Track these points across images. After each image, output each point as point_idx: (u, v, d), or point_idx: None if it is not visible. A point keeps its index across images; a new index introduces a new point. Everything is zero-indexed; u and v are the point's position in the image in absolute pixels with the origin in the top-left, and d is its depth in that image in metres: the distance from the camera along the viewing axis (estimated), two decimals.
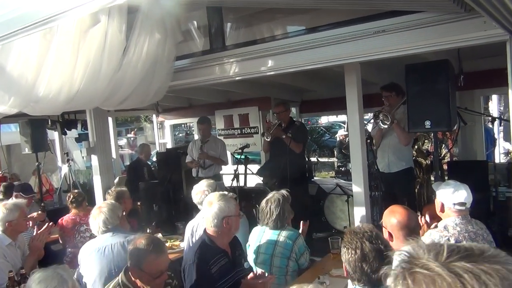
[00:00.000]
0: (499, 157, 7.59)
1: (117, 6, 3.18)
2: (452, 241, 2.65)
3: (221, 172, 8.26)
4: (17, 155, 8.67)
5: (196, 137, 8.17)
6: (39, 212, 5.12)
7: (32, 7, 2.11)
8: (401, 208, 2.49)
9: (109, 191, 4.48)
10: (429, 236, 2.75)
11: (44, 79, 3.33)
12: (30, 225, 3.99)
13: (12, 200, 3.85)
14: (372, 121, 4.86)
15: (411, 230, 2.39)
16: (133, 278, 2.52)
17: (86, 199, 4.76)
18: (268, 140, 5.56)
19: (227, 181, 6.25)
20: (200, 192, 3.91)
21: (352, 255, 2.00)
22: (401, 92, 4.60)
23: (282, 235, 3.46)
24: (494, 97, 10.09)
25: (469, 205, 2.78)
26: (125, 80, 3.94)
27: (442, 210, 2.85)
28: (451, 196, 2.78)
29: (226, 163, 6.67)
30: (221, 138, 8.20)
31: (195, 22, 4.44)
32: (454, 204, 2.76)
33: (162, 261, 2.54)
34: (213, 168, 6.41)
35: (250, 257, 3.53)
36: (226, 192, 3.13)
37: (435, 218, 3.03)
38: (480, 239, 2.70)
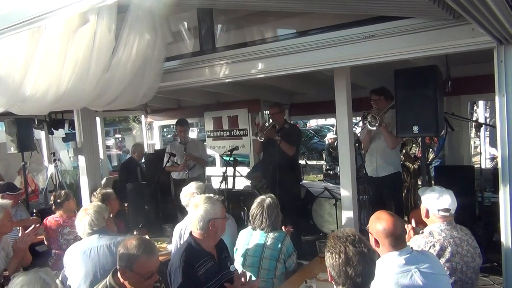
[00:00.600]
0: (485, 163, 7.68)
1: (106, 6, 3.15)
2: (438, 246, 2.68)
3: (209, 174, 8.26)
4: (1, 154, 8.53)
5: None
6: (34, 217, 5.06)
7: (20, 5, 2.08)
8: (387, 215, 2.47)
9: (95, 193, 4.41)
10: (415, 242, 2.77)
11: (31, 78, 3.28)
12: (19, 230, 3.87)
13: None
14: (360, 124, 4.89)
15: (397, 238, 2.39)
16: (121, 280, 2.50)
17: (69, 198, 4.64)
18: (261, 140, 5.54)
19: (216, 183, 6.23)
20: (189, 194, 3.90)
21: (336, 259, 1.99)
22: (390, 96, 4.64)
23: (270, 237, 3.47)
24: (480, 103, 10.24)
25: (453, 211, 2.81)
26: (114, 81, 3.90)
27: (427, 216, 2.89)
28: (436, 202, 2.81)
29: (208, 163, 6.71)
30: (210, 139, 8.21)
31: (185, 23, 4.43)
32: (439, 210, 2.79)
33: (153, 261, 2.53)
34: (197, 169, 6.43)
35: (238, 260, 3.52)
36: (212, 195, 3.13)
37: (422, 223, 3.05)
38: (465, 245, 2.74)
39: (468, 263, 2.71)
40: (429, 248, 2.68)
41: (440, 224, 2.79)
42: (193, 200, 3.09)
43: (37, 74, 3.28)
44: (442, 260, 2.65)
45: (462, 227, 2.86)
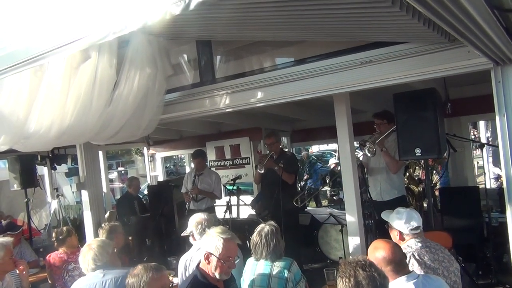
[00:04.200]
0: (490, 183, 7.64)
1: (107, 42, 3.21)
2: (417, 256, 2.86)
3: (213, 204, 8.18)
4: (5, 192, 8.53)
5: (188, 169, 8.12)
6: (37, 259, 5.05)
7: (22, 44, 2.12)
8: (383, 243, 2.54)
9: (102, 225, 4.38)
10: None
11: (35, 115, 3.32)
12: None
13: None
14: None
15: (398, 264, 2.44)
16: None
17: (71, 234, 4.61)
18: (262, 172, 5.54)
19: (220, 212, 6.19)
20: (193, 225, 3.85)
21: (346, 283, 1.99)
22: (393, 120, 4.64)
23: (276, 266, 3.40)
24: (481, 123, 10.25)
25: (421, 227, 3.03)
26: (116, 114, 3.94)
27: (402, 238, 3.05)
28: (406, 224, 3.01)
29: (219, 197, 6.55)
30: (213, 169, 8.18)
31: (185, 56, 4.49)
32: (411, 230, 2.99)
33: (163, 278, 2.64)
34: (205, 201, 6.29)
35: None
36: (227, 230, 3.07)
37: None
38: (440, 252, 2.94)
39: (447, 268, 2.87)
40: (410, 259, 2.82)
41: (415, 240, 2.98)
42: (209, 231, 3.06)
43: (41, 111, 3.33)
44: (423, 267, 2.81)
45: (431, 240, 3.06)
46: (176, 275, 4.09)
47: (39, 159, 6.64)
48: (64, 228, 4.74)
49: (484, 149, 6.74)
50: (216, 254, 2.84)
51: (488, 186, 5.58)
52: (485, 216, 5.19)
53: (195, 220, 3.87)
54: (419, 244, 2.94)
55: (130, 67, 3.69)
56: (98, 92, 3.54)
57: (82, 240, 4.92)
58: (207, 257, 2.87)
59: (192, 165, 6.97)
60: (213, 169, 8.16)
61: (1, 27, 2.29)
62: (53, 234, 4.66)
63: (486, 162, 7.65)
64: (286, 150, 6.99)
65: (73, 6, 1.96)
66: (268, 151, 5.81)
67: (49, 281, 4.56)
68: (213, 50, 4.13)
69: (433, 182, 6.65)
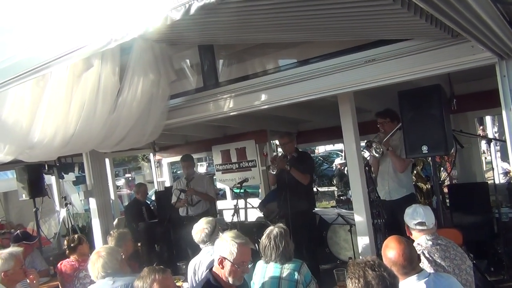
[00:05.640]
0: (499, 178, 7.58)
1: (109, 50, 3.22)
2: (427, 254, 2.83)
3: (221, 207, 8.18)
4: (14, 202, 8.59)
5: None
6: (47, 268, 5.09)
7: (24, 55, 2.13)
8: (395, 243, 2.50)
9: (111, 232, 4.39)
10: None
11: (38, 124, 3.34)
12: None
13: (8, 249, 3.77)
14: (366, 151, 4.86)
15: (409, 263, 2.42)
16: None
17: (83, 242, 4.63)
18: (274, 173, 5.50)
19: (228, 216, 6.18)
20: (200, 230, 3.85)
21: (356, 284, 1.99)
22: (396, 118, 4.62)
23: (285, 268, 3.39)
24: (488, 118, 10.18)
25: (430, 224, 2.96)
26: (121, 121, 3.95)
27: (409, 232, 3.06)
28: (411, 218, 3.01)
29: (214, 199, 6.55)
30: (220, 173, 8.19)
31: (187, 61, 4.50)
32: (415, 224, 2.98)
33: (169, 280, 2.72)
34: (201, 205, 6.25)
35: None
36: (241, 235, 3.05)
37: None
38: (451, 250, 2.90)
39: (459, 266, 2.83)
40: (420, 257, 2.77)
41: (425, 236, 2.95)
42: (222, 235, 3.04)
43: (44, 120, 3.34)
44: (434, 265, 2.78)
45: (444, 237, 3.02)
46: (186, 280, 4.09)
47: (46, 168, 6.68)
48: (76, 236, 4.77)
49: (492, 144, 6.72)
50: (230, 259, 2.83)
51: (497, 182, 5.52)
52: (495, 212, 5.14)
53: (197, 229, 3.88)
54: (430, 242, 2.91)
55: (133, 73, 3.70)
56: (102, 100, 3.55)
57: (91, 248, 4.93)
58: (221, 261, 2.85)
59: (199, 169, 6.97)
60: (219, 173, 8.18)
61: (4, 38, 2.31)
62: (65, 242, 4.70)
63: (494, 158, 7.60)
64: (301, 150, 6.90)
65: (74, 15, 1.96)
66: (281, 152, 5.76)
67: None
68: (215, 54, 4.13)
69: (441, 179, 6.60)
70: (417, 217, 2.97)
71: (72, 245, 4.56)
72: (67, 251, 4.60)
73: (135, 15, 1.77)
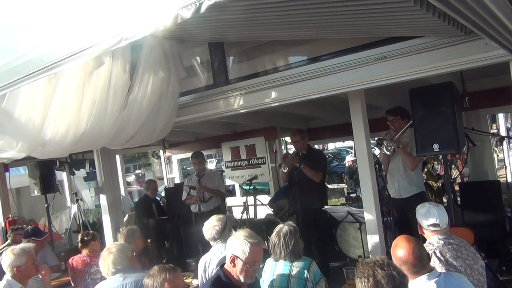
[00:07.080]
0: (511, 176, 7.48)
1: (120, 48, 3.24)
2: (438, 253, 2.81)
3: (230, 204, 8.20)
4: (26, 197, 8.69)
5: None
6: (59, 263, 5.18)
7: (36, 53, 2.15)
8: (405, 242, 2.49)
9: (120, 229, 4.42)
10: None
11: (50, 122, 3.36)
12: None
13: (20, 245, 3.82)
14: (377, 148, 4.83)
15: (418, 262, 2.40)
16: None
17: (96, 239, 4.69)
18: (285, 171, 5.48)
19: (237, 213, 6.19)
20: (210, 227, 3.87)
21: (365, 283, 1.98)
22: (407, 116, 4.58)
23: (294, 266, 3.38)
24: (500, 115, 10.04)
25: (443, 224, 2.92)
26: (131, 118, 3.97)
27: (421, 231, 3.03)
28: (424, 219, 2.96)
29: (225, 195, 6.56)
30: (229, 170, 8.21)
31: (198, 58, 4.49)
32: (428, 225, 2.94)
33: (179, 279, 2.71)
34: (213, 201, 6.30)
35: None
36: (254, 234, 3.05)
37: None
38: (464, 250, 2.87)
39: (471, 266, 2.81)
40: (431, 256, 2.76)
41: (437, 236, 2.92)
42: (235, 233, 3.04)
43: (56, 118, 3.37)
44: (445, 265, 2.76)
45: (457, 236, 2.99)
46: (196, 277, 4.11)
47: (57, 164, 6.75)
48: (90, 231, 4.86)
49: (505, 142, 6.63)
50: (242, 258, 2.83)
51: (510, 180, 5.45)
52: (507, 211, 5.09)
53: (207, 226, 3.90)
54: (442, 242, 2.88)
55: (144, 71, 3.71)
56: (112, 97, 3.57)
57: (102, 244, 4.98)
58: (233, 260, 2.86)
59: (208, 166, 6.99)
60: (229, 170, 8.19)
61: (17, 36, 2.33)
62: (79, 236, 4.78)
63: (506, 156, 7.50)
64: (314, 147, 6.87)
65: (85, 14, 1.98)
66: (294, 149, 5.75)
67: (72, 284, 4.62)
68: (225, 51, 4.13)
69: (452, 177, 6.54)
70: (431, 218, 2.92)
71: (85, 238, 4.64)
72: (80, 245, 4.67)
73: (145, 14, 1.77)
